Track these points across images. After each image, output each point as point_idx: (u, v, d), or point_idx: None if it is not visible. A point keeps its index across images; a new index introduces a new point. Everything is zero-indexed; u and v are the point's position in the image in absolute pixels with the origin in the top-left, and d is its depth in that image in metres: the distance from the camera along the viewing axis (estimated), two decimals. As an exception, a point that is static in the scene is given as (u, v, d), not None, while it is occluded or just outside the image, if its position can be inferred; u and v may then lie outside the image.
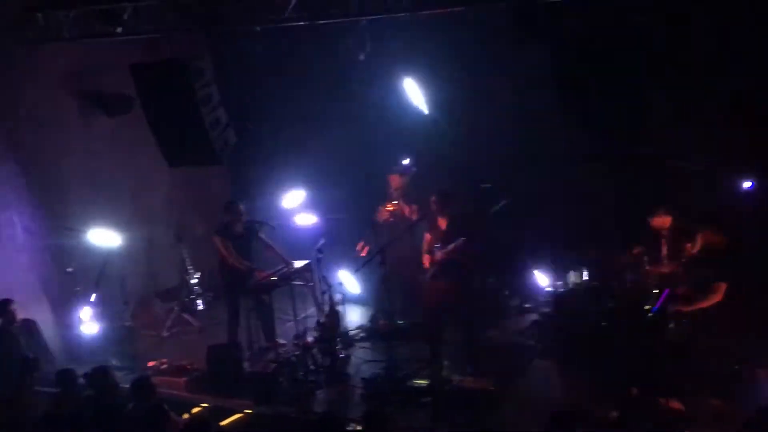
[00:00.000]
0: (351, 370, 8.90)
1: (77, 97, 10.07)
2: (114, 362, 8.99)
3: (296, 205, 10.45)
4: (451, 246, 8.17)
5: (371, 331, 9.80)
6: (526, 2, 6.32)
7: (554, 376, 8.40)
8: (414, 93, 9.26)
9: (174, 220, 11.34)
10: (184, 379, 8.65)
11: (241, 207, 9.37)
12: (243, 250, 9.34)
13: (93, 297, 9.43)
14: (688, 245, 8.21)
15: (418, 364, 8.70)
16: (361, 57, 8.11)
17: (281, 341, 9.19)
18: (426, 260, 8.54)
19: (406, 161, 10.03)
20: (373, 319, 9.99)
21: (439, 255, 8.31)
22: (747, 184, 8.54)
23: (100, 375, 6.95)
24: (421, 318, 9.05)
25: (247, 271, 9.18)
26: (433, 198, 8.47)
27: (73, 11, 8.27)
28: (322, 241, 9.58)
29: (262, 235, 9.46)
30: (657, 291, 7.85)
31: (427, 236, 8.60)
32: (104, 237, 9.55)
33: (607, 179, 9.53)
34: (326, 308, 9.31)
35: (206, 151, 7.64)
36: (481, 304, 9.37)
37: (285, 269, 9.18)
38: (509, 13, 6.64)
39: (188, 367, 8.89)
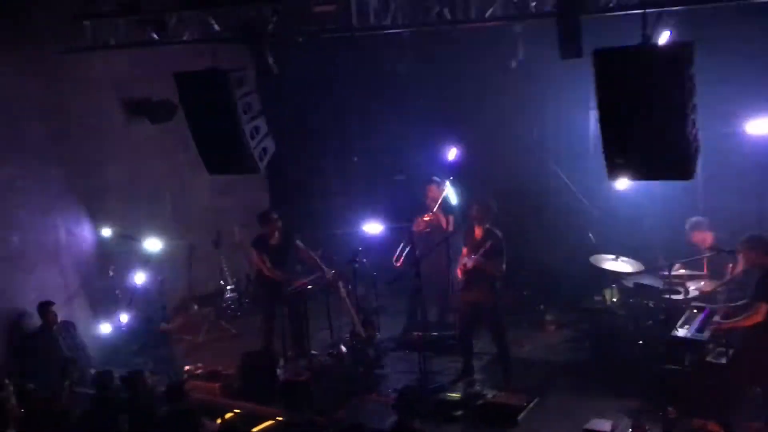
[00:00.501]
0: (383, 380, 8.89)
1: (122, 105, 10.27)
2: (150, 365, 9.10)
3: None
4: (481, 251, 8.15)
5: (405, 342, 9.78)
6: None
7: (588, 393, 8.29)
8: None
9: (213, 227, 11.46)
10: (218, 384, 8.71)
11: (275, 216, 9.44)
12: (280, 259, 9.41)
13: (131, 301, 9.56)
14: (730, 264, 8.09)
15: (450, 377, 8.69)
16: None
17: (313, 351, 9.20)
18: (459, 271, 8.54)
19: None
20: (406, 330, 9.98)
21: (470, 264, 8.30)
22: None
23: (136, 378, 7.04)
24: (455, 330, 9.02)
25: (284, 281, 9.24)
26: (475, 207, 8.47)
27: (120, 20, 8.42)
28: (359, 251, 9.60)
29: (299, 243, 9.51)
30: (696, 311, 7.74)
31: (464, 250, 8.59)
32: (156, 245, 9.70)
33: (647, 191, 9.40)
34: (361, 318, 9.32)
35: (245, 160, 7.66)
36: (515, 317, 9.32)
37: (320, 277, 9.22)
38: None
39: (222, 372, 8.95)
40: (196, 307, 10.80)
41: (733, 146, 8.71)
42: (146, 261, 9.70)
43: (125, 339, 9.43)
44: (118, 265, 9.74)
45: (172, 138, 10.72)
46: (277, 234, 9.39)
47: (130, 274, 9.83)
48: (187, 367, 9.18)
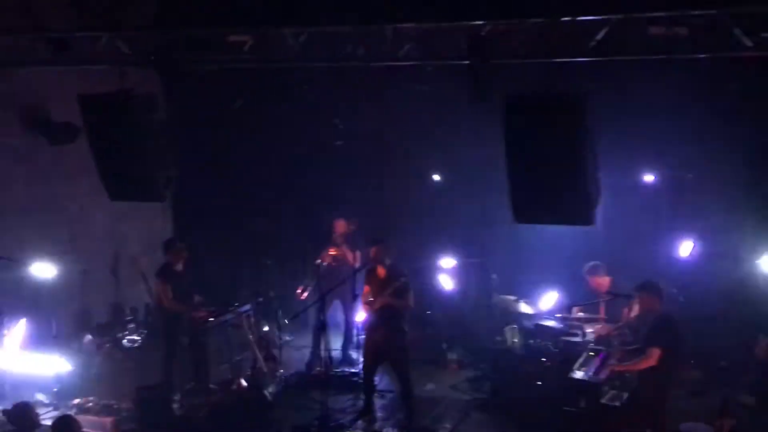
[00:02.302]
0: (284, 417, 8.73)
1: (20, 124, 9.86)
2: (40, 398, 8.68)
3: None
4: (390, 289, 8.15)
5: (307, 378, 9.66)
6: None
7: (489, 432, 8.38)
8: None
9: (111, 253, 11.08)
10: (111, 418, 8.35)
11: (181, 245, 9.23)
12: (183, 288, 9.17)
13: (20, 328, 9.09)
14: (626, 309, 8.36)
15: (352, 415, 8.61)
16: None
17: (212, 386, 8.96)
18: (364, 310, 8.50)
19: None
20: (309, 366, 9.86)
21: (378, 303, 8.27)
22: (686, 251, 8.78)
23: (21, 411, 6.67)
24: (359, 366, 8.99)
25: (185, 313, 9.00)
26: (374, 248, 8.47)
27: (21, 37, 8.13)
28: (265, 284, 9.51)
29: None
30: (593, 353, 7.94)
31: (366, 288, 8.56)
32: (44, 269, 9.26)
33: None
34: (263, 353, 9.17)
35: (148, 187, 7.49)
36: (418, 355, 9.35)
37: (222, 311, 9.04)
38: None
39: (116, 406, 8.61)
40: (89, 336, 10.35)
41: (630, 195, 9.06)
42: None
43: (12, 370, 8.94)
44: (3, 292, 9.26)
45: (73, 161, 10.37)
46: (182, 263, 9.16)
47: (19, 301, 9.33)
48: (77, 401, 8.79)
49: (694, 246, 8.81)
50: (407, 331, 8.41)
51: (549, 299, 9.31)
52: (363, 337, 8.75)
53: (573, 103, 5.98)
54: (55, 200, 10.42)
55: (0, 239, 9.50)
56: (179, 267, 9.17)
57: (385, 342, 8.35)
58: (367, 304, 8.43)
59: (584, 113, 5.91)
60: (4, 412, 6.82)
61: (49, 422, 6.70)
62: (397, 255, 8.62)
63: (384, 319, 8.31)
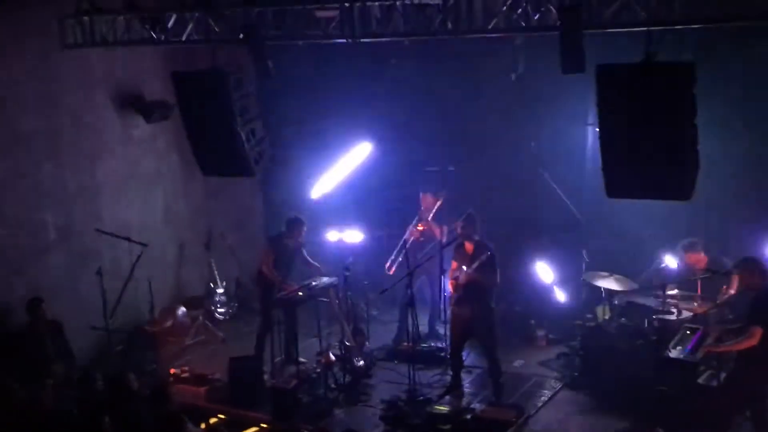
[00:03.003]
0: (372, 390, 8.81)
1: (117, 102, 10.17)
2: (135, 367, 8.98)
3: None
4: (475, 264, 8.09)
5: (395, 353, 9.70)
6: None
7: (577, 411, 8.24)
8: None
9: (204, 229, 11.37)
10: (204, 388, 8.61)
11: (303, 227, 9.36)
12: (285, 264, 9.36)
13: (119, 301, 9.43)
14: (724, 286, 8.06)
15: (440, 390, 8.62)
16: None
17: (302, 359, 9.11)
18: (451, 286, 8.47)
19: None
20: (397, 341, 9.90)
21: (463, 278, 8.22)
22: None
23: (120, 379, 6.93)
24: (446, 342, 8.96)
25: (277, 284, 9.16)
26: (461, 222, 8.40)
27: (118, 17, 8.36)
28: (350, 259, 9.55)
29: (305, 252, 9.47)
30: (689, 332, 7.69)
31: (453, 263, 8.52)
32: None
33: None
34: (351, 326, 9.25)
35: (240, 162, 7.62)
36: (506, 332, 9.26)
37: (312, 284, 9.15)
38: None
39: (209, 376, 8.86)
40: (183, 309, 10.68)
41: (730, 168, 8.69)
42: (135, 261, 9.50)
43: (111, 340, 9.30)
44: (107, 264, 9.61)
45: (168, 137, 10.68)
46: (292, 241, 9.33)
47: (121, 274, 9.67)
48: (172, 370, 9.07)
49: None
50: (494, 308, 8.34)
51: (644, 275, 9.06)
52: (450, 312, 8.68)
53: (677, 74, 5.75)
54: (150, 176, 10.73)
55: (95, 214, 9.86)
56: (290, 243, 9.32)
57: (472, 318, 8.29)
58: (454, 279, 8.39)
59: (690, 83, 5.66)
60: (105, 379, 7.06)
61: (147, 391, 6.93)
62: (485, 231, 8.50)
63: (471, 295, 8.24)
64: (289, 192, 11.42)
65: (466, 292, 8.27)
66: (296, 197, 11.08)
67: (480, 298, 8.23)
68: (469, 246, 8.34)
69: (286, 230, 9.34)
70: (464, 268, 8.23)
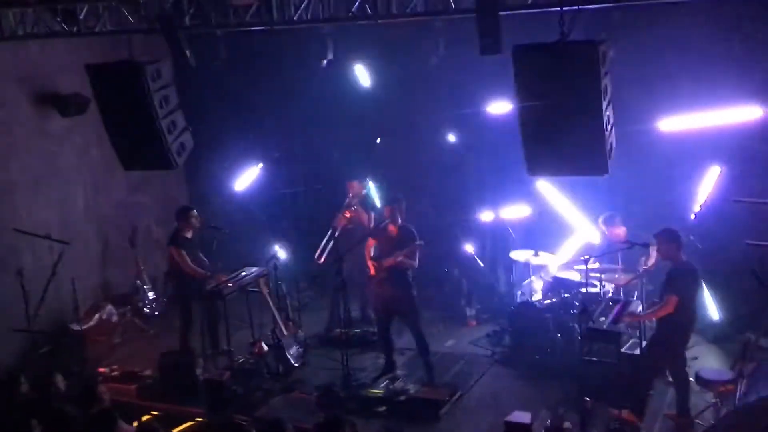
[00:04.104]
0: (306, 378, 8.83)
1: (31, 97, 9.86)
2: (62, 368, 8.78)
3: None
4: (405, 250, 8.23)
5: (327, 340, 9.74)
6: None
7: (510, 386, 8.43)
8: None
9: (129, 224, 11.15)
10: (134, 385, 8.49)
11: (194, 213, 9.26)
12: (196, 255, 9.24)
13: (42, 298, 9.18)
14: (643, 258, 8.34)
15: (373, 374, 8.70)
16: (323, 63, 8.20)
17: (232, 349, 9.05)
18: (372, 267, 8.57)
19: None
20: (328, 328, 9.93)
21: (389, 261, 8.34)
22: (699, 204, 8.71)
23: (48, 380, 6.77)
24: (376, 325, 9.05)
25: (205, 278, 9.06)
26: (388, 207, 8.52)
27: (28, 9, 8.08)
28: (276, 248, 9.53)
29: (215, 240, 9.38)
30: (612, 303, 7.95)
31: (370, 241, 8.66)
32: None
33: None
34: (283, 315, 9.23)
35: (161, 155, 7.46)
36: (437, 312, 9.40)
37: (241, 275, 9.09)
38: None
39: (139, 373, 8.72)
40: (110, 307, 10.47)
41: (645, 143, 8.97)
42: (57, 258, 9.26)
43: (36, 340, 9.06)
44: (27, 263, 9.35)
45: (86, 132, 10.40)
46: (191, 230, 9.21)
47: (41, 272, 9.41)
48: (102, 369, 8.90)
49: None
50: (413, 285, 8.48)
51: (566, 251, 9.32)
52: (372, 293, 8.80)
53: (586, 52, 5.88)
54: (68, 172, 10.46)
55: (12, 212, 9.57)
56: (189, 234, 9.22)
57: (394, 297, 8.45)
58: (375, 260, 8.50)
59: (598, 62, 5.81)
60: (31, 381, 6.88)
61: (75, 391, 6.79)
62: (416, 215, 8.62)
63: (393, 276, 8.40)
64: (216, 183, 11.30)
65: (389, 274, 8.39)
66: (224, 188, 10.97)
67: (401, 277, 8.40)
68: (392, 228, 8.46)
69: (179, 223, 9.24)
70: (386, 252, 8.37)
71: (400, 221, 8.47)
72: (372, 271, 8.60)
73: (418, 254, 8.39)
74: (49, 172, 10.16)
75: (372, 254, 8.69)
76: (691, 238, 7.95)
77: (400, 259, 8.26)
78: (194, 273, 9.09)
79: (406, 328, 8.76)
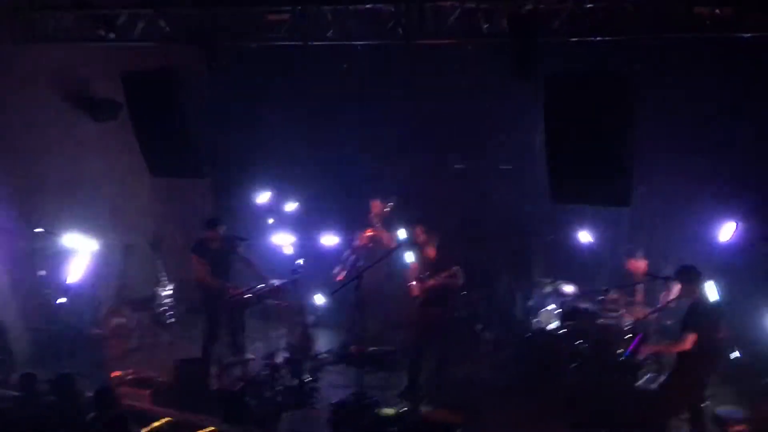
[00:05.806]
0: (319, 393, 8.82)
1: (64, 100, 9.99)
2: (80, 369, 8.84)
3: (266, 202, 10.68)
4: (445, 273, 8.33)
5: (342, 356, 9.73)
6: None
7: (523, 413, 8.37)
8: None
9: (151, 230, 11.23)
10: (149, 391, 8.51)
11: (221, 226, 9.27)
12: (220, 266, 9.24)
13: (63, 301, 9.26)
14: (664, 293, 8.28)
15: (387, 393, 8.66)
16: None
17: (250, 356, 9.07)
18: (415, 288, 8.59)
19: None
20: (344, 344, 9.93)
21: (431, 282, 8.40)
22: (728, 233, 8.60)
23: (64, 382, 6.83)
24: (408, 345, 9.03)
25: (220, 289, 9.07)
26: (420, 228, 8.56)
27: (66, 13, 8.24)
28: (299, 262, 9.55)
29: (240, 250, 9.38)
30: (630, 336, 7.88)
31: (414, 265, 8.70)
32: (80, 241, 9.39)
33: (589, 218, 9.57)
34: (299, 329, 9.24)
35: (189, 163, 7.59)
36: (454, 336, 9.37)
37: (260, 287, 9.11)
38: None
39: (154, 379, 8.76)
40: (129, 311, 10.54)
41: (670, 176, 8.93)
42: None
43: (55, 341, 9.13)
44: (50, 265, 9.43)
45: (115, 137, 10.50)
46: (216, 242, 9.22)
47: (62, 274, 9.51)
48: (117, 373, 8.95)
49: (736, 228, 8.61)
50: (455, 307, 8.69)
51: (587, 281, 9.27)
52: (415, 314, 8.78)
53: (621, 83, 5.91)
54: (96, 176, 10.57)
55: (42, 213, 9.67)
56: (215, 245, 9.23)
57: (438, 318, 8.51)
58: (419, 281, 8.54)
59: (633, 93, 5.83)
60: (48, 381, 6.96)
61: (91, 393, 6.84)
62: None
63: (437, 298, 8.48)
64: (243, 196, 11.37)
65: (433, 294, 8.46)
66: (251, 201, 11.05)
67: (446, 300, 8.53)
68: (431, 251, 8.53)
69: (207, 233, 9.23)
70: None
71: (436, 242, 8.53)
72: (416, 292, 8.63)
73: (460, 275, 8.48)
74: (77, 174, 10.27)
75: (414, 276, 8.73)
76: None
77: (444, 281, 8.36)
78: (210, 282, 9.10)
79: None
